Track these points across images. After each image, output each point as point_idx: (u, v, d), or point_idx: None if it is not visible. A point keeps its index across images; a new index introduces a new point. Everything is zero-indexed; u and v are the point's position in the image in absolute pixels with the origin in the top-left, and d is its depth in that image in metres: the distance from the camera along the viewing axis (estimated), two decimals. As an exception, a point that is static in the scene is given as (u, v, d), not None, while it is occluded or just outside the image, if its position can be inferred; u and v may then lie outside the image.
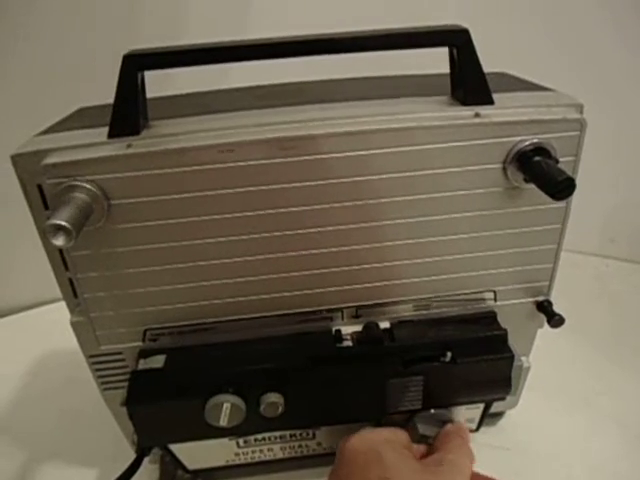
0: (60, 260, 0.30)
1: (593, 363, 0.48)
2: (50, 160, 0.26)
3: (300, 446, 0.37)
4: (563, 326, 0.35)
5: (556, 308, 0.35)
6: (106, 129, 0.28)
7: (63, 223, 0.24)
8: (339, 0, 0.53)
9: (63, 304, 0.33)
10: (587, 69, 0.55)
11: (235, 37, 0.28)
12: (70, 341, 0.35)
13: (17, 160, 0.27)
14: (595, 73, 0.55)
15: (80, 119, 0.32)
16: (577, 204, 0.31)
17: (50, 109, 0.34)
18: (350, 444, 0.29)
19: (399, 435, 0.32)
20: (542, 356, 0.38)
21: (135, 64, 0.26)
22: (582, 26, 0.55)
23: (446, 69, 0.31)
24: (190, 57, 0.26)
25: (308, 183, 0.28)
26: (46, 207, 0.28)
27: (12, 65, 0.51)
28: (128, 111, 0.27)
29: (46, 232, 0.24)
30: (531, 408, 0.42)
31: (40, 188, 0.28)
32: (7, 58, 0.50)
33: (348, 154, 0.28)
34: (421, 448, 0.33)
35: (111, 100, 0.30)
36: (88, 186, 0.26)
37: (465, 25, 0.28)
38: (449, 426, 0.34)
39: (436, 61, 0.33)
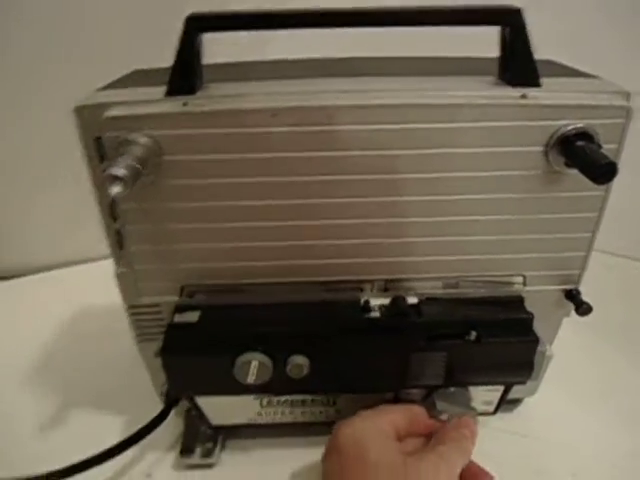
0: (110, 212, 0.32)
1: (613, 360, 0.48)
2: (111, 113, 0.28)
3: (320, 412, 0.38)
4: (585, 321, 0.36)
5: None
6: (163, 88, 0.29)
7: (120, 173, 0.25)
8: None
9: (101, 263, 0.35)
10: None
11: (277, 6, 0.29)
12: (105, 298, 0.37)
13: (80, 111, 0.28)
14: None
15: (137, 79, 0.34)
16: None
17: (103, 71, 0.36)
18: (342, 433, 0.30)
19: (397, 421, 0.32)
20: (563, 349, 0.38)
21: (197, 26, 0.27)
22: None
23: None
24: (249, 21, 0.27)
25: (350, 153, 0.29)
26: (101, 160, 0.30)
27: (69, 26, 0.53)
28: (186, 70, 0.28)
29: (104, 181, 0.26)
30: (548, 398, 0.42)
31: (98, 140, 0.29)
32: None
33: (391, 127, 0.28)
34: (429, 425, 0.33)
35: (159, 64, 0.31)
36: (144, 140, 0.28)
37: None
38: (454, 420, 0.33)
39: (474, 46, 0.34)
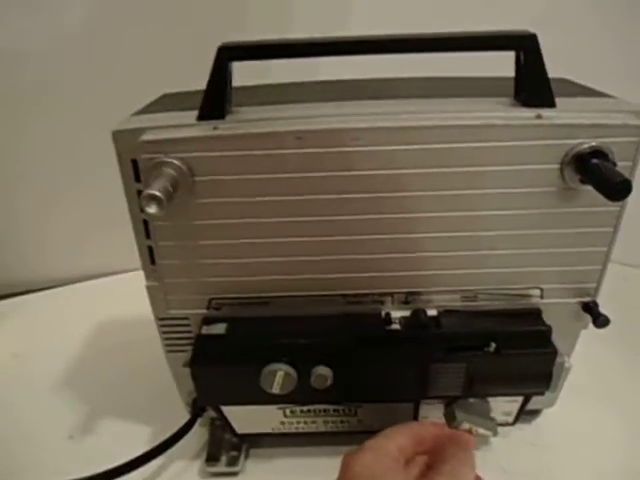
0: (143, 229, 0.33)
1: (632, 372, 0.49)
2: (147, 137, 0.29)
3: (342, 421, 0.39)
4: (605, 333, 0.36)
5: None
6: (193, 112, 0.31)
7: (157, 193, 0.27)
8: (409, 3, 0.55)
9: (125, 275, 0.36)
10: None
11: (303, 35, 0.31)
12: (125, 310, 0.39)
13: (117, 136, 0.30)
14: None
15: (167, 103, 0.36)
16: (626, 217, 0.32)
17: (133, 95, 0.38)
18: (352, 472, 0.29)
19: (403, 445, 0.31)
20: (583, 361, 0.39)
21: (228, 55, 0.29)
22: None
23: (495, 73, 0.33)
24: (277, 50, 0.29)
25: (372, 172, 0.31)
26: (137, 180, 0.32)
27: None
28: (217, 97, 0.30)
29: (141, 201, 0.27)
30: (567, 410, 0.42)
31: (134, 162, 0.31)
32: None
33: (410, 147, 0.30)
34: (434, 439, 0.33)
35: (187, 87, 0.33)
36: (177, 162, 0.30)
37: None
38: (448, 437, 0.32)
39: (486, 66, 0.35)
